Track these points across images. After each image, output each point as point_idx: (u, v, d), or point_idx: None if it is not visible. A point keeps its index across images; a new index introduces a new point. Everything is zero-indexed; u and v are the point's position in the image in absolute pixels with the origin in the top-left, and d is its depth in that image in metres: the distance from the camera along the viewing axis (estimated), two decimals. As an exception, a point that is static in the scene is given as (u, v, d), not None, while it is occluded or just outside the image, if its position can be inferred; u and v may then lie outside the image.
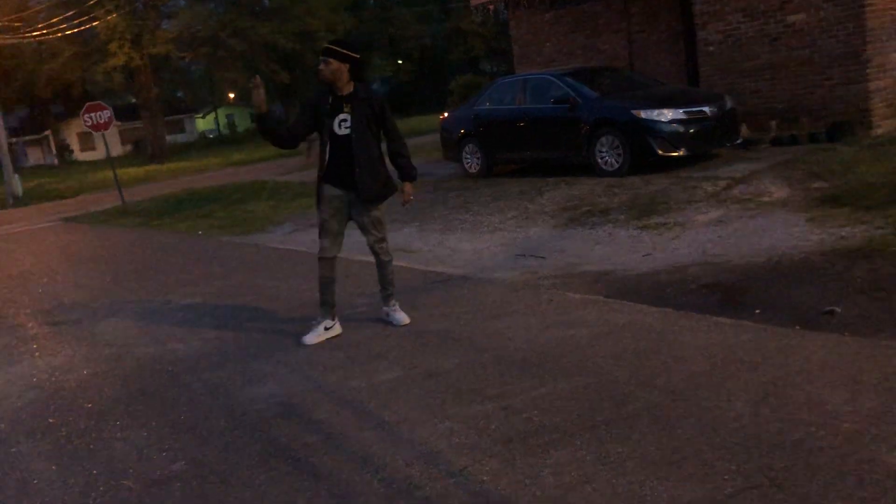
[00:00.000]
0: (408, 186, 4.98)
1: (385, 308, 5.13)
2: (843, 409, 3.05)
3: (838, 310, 4.31)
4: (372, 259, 5.13)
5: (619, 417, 3.24)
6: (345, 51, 4.65)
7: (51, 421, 4.13)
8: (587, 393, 3.54)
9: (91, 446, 3.71)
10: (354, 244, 5.95)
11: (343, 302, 5.34)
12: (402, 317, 5.04)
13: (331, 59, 4.61)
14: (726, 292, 4.94)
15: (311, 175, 16.04)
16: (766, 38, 10.82)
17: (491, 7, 15.49)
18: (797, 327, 4.11)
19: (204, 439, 3.62)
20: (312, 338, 4.89)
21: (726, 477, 2.66)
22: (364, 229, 4.92)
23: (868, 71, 9.89)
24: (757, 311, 4.49)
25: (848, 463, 2.65)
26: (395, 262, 5.16)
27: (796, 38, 10.48)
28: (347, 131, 4.69)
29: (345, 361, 4.46)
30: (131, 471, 3.37)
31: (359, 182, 4.72)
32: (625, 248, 6.53)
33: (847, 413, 3.01)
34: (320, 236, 4.90)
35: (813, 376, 3.40)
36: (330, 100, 4.70)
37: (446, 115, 13.50)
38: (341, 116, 4.69)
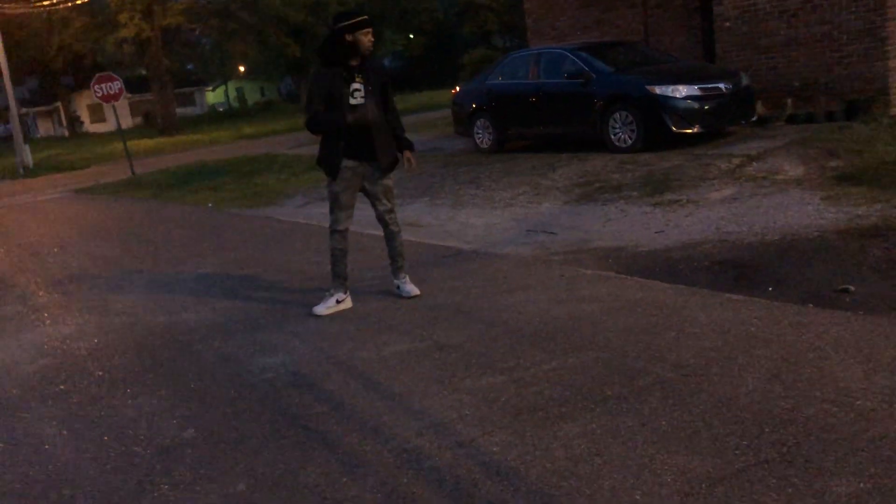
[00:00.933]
0: (408, 154, 4.98)
1: (395, 280, 5.12)
2: (856, 386, 3.03)
3: (852, 288, 4.27)
4: (381, 233, 5.12)
5: (629, 392, 3.23)
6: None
7: (62, 388, 4.16)
8: (598, 367, 3.52)
9: (102, 413, 3.73)
10: (363, 217, 5.93)
11: (353, 275, 5.33)
12: (412, 288, 5.03)
13: (370, 30, 4.66)
14: (739, 269, 4.90)
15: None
16: (783, 14, 10.65)
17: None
18: (810, 305, 4.08)
19: (214, 407, 3.63)
20: (323, 309, 4.90)
21: (737, 451, 2.65)
22: (377, 199, 4.91)
23: (887, 48, 9.73)
24: (770, 289, 4.46)
25: (860, 440, 2.63)
26: (405, 237, 5.15)
27: (815, 14, 10.32)
28: (361, 100, 4.70)
29: (355, 333, 4.46)
30: (142, 437, 3.39)
31: (378, 150, 4.75)
32: (637, 224, 6.48)
33: (860, 390, 2.99)
34: (333, 209, 4.89)
35: (826, 353, 3.37)
36: (343, 73, 4.67)
37: (458, 89, 13.40)
38: (354, 86, 4.68)
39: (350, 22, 4.57)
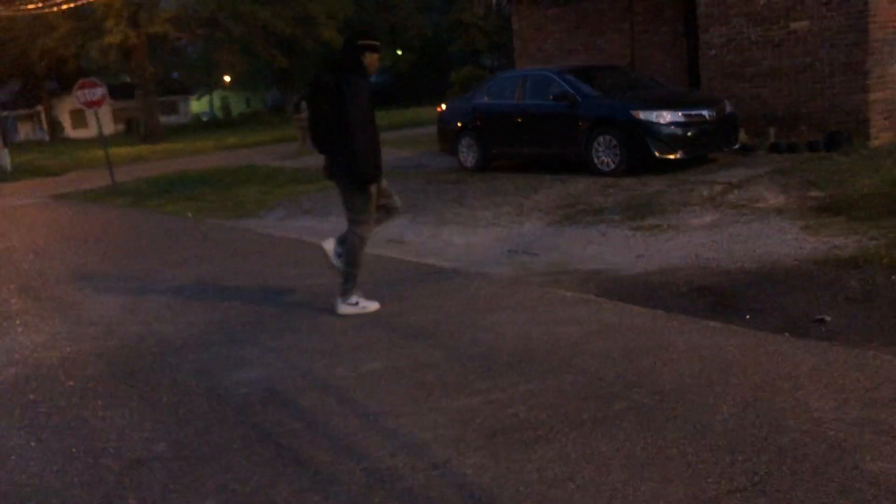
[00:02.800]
0: None
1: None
2: (829, 416, 3.04)
3: (828, 318, 4.31)
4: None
5: (605, 416, 3.22)
6: None
7: (31, 397, 4.09)
8: (575, 390, 3.52)
9: (71, 424, 3.67)
10: (327, 230, 5.89)
11: (331, 290, 5.30)
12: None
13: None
14: (718, 296, 4.93)
15: (306, 161, 15.82)
16: (768, 44, 10.80)
17: (493, 0, 15.42)
18: (787, 334, 4.10)
19: (186, 421, 3.58)
20: (347, 308, 5.03)
21: (710, 479, 2.65)
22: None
23: (868, 82, 9.89)
24: (747, 316, 4.48)
25: (831, 470, 2.64)
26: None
27: (799, 46, 10.48)
28: (371, 114, 4.90)
29: (332, 349, 4.43)
30: (111, 450, 3.33)
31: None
32: (618, 248, 6.51)
33: (833, 421, 3.00)
34: (366, 219, 5.00)
35: (800, 383, 3.39)
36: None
37: (444, 107, 13.45)
38: None
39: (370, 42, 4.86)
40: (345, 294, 5.07)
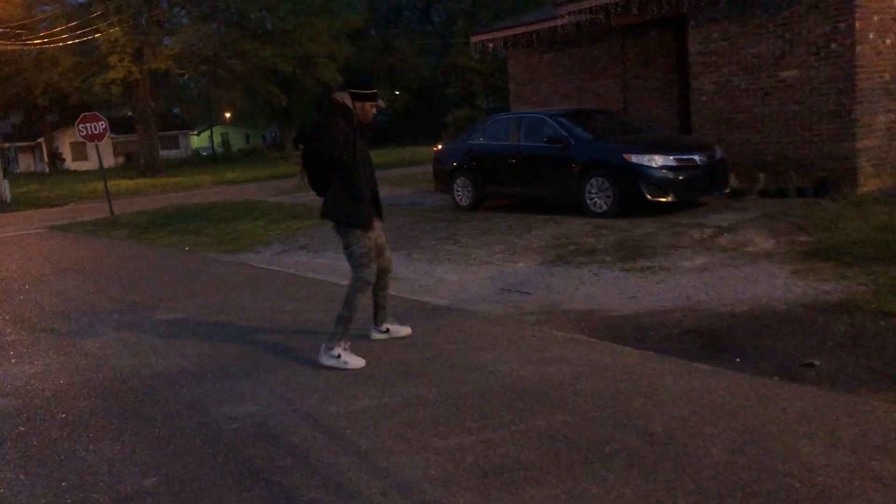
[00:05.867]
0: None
1: (387, 325, 5.37)
2: (819, 462, 3.06)
3: (817, 363, 4.35)
4: (343, 280, 5.23)
5: (595, 458, 3.24)
6: None
7: (21, 429, 4.08)
8: (565, 431, 3.54)
9: (62, 457, 3.67)
10: (322, 266, 5.94)
11: (326, 326, 5.32)
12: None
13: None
14: (708, 339, 4.97)
15: (303, 197, 15.89)
16: (758, 92, 11.02)
17: (490, 45, 15.69)
18: (776, 378, 4.14)
19: (178, 456, 3.58)
20: (328, 359, 4.81)
21: (699, 523, 2.66)
22: (382, 248, 5.13)
23: (856, 130, 10.08)
24: (737, 360, 4.52)
25: (820, 515, 2.66)
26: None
27: (788, 94, 10.69)
28: (367, 156, 4.96)
29: (324, 385, 4.44)
30: (102, 484, 3.33)
31: (379, 203, 5.10)
32: (610, 288, 6.56)
33: (822, 467, 3.02)
34: (366, 262, 4.87)
35: (790, 427, 3.41)
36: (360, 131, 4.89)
37: (440, 147, 13.60)
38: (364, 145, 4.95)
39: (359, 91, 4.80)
40: (331, 339, 4.84)
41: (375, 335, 5.32)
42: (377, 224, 5.05)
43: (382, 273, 5.15)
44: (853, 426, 3.38)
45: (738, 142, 11.26)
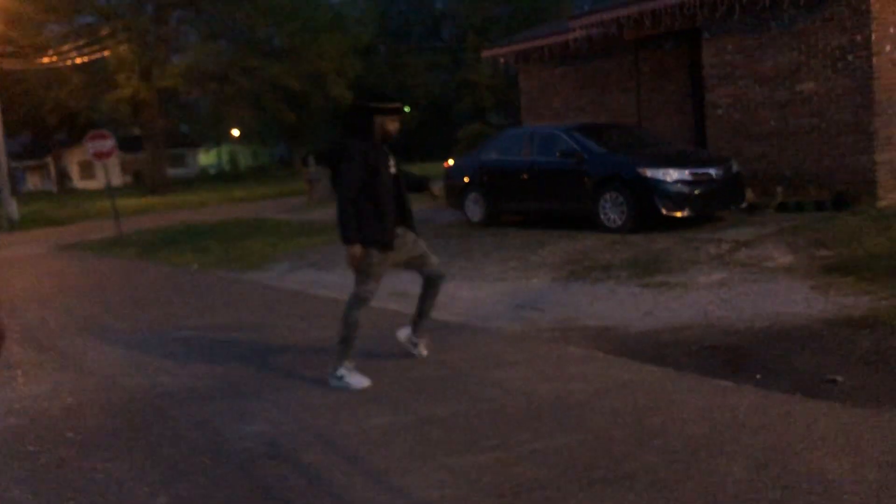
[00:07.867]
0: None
1: (414, 339, 5.23)
2: (845, 479, 2.97)
3: (840, 379, 4.24)
4: (345, 296, 5.10)
5: (615, 477, 3.15)
6: None
7: (30, 448, 4.02)
8: (583, 450, 3.45)
9: (70, 476, 3.61)
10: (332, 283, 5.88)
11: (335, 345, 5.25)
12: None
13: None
14: (728, 355, 4.87)
15: (312, 214, 15.92)
16: (774, 105, 10.92)
17: (501, 60, 15.70)
18: (798, 394, 4.03)
19: (188, 475, 3.51)
20: (333, 381, 4.71)
21: (726, 546, 2.57)
22: (425, 257, 5.00)
23: (875, 143, 9.95)
24: (758, 376, 4.42)
25: (852, 538, 2.56)
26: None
27: (805, 107, 10.58)
28: (394, 170, 4.86)
29: (336, 404, 4.37)
30: (110, 504, 3.26)
31: (410, 214, 4.98)
32: (626, 305, 6.47)
33: (848, 484, 2.93)
34: (367, 280, 4.75)
35: (814, 445, 3.32)
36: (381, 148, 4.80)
37: (451, 162, 13.56)
38: (391, 161, 4.85)
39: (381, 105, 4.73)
40: (336, 360, 4.73)
41: (402, 337, 5.21)
42: (409, 236, 4.95)
43: (436, 279, 5.07)
44: (878, 443, 3.29)
45: (754, 155, 11.15)
